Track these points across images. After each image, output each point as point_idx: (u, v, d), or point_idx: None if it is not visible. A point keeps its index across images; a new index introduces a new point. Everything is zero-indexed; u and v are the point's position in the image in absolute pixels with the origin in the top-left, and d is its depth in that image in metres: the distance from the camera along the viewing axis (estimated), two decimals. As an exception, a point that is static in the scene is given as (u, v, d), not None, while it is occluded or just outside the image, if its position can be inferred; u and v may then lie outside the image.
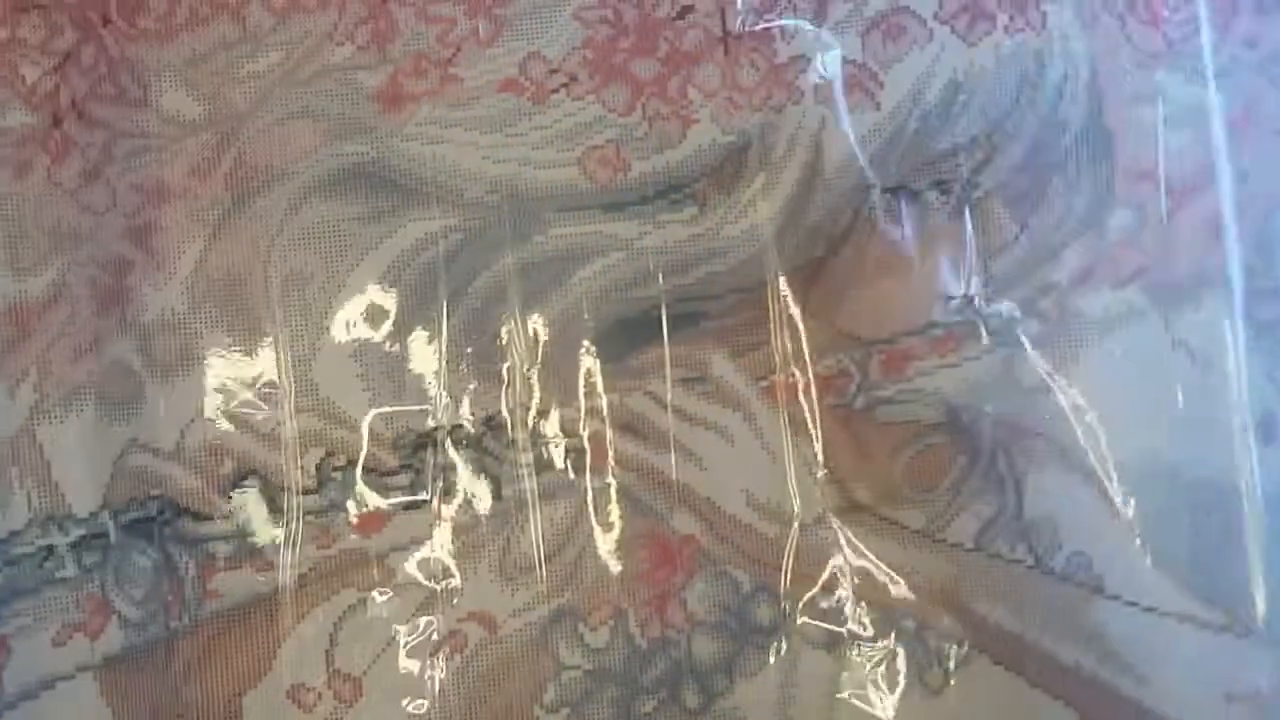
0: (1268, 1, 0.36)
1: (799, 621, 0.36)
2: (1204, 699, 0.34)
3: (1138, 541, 0.35)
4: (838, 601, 0.36)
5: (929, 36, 0.37)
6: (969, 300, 0.37)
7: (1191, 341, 0.35)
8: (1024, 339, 0.36)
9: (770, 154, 0.37)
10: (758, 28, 0.38)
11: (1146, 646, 0.35)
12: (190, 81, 0.38)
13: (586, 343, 0.37)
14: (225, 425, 0.37)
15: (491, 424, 0.37)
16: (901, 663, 0.35)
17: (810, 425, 0.37)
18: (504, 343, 0.37)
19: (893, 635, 0.36)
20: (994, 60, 0.37)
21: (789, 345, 0.37)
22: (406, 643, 0.36)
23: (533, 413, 0.37)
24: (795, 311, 0.37)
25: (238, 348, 0.37)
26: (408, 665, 0.36)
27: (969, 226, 0.37)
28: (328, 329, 0.37)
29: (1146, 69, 0.36)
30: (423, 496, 0.36)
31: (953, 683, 0.35)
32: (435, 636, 0.36)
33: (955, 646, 0.35)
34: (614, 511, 0.36)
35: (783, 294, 0.37)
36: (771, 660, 0.36)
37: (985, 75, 0.37)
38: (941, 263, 0.37)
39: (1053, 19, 0.37)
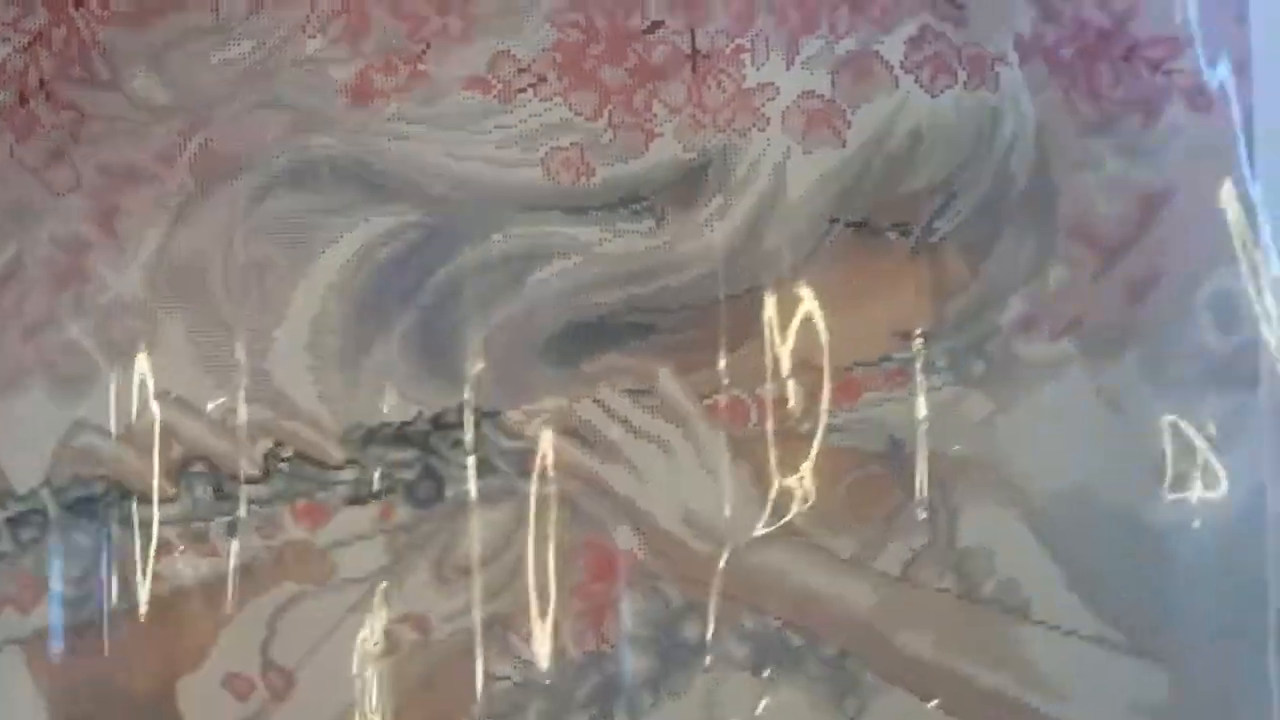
0: (1200, 100, 0.41)
1: (725, 642, 0.41)
2: (1113, 712, 0.40)
3: (1060, 571, 0.41)
4: (764, 624, 0.41)
5: (895, 83, 0.42)
6: (921, 337, 0.42)
7: (1111, 391, 0.41)
8: (969, 378, 0.41)
9: (730, 176, 0.42)
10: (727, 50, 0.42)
11: (1066, 666, 0.40)
12: (161, 67, 0.42)
13: (539, 345, 0.42)
14: (176, 410, 0.41)
15: (439, 423, 0.41)
16: (821, 689, 0.40)
17: (751, 447, 0.41)
18: (458, 341, 0.41)
19: (814, 661, 0.41)
20: (954, 113, 0.42)
21: (736, 366, 0.42)
22: (342, 639, 0.40)
23: (480, 414, 0.41)
24: (745, 333, 0.42)
25: (194, 333, 0.41)
26: (341, 662, 0.40)
27: (926, 267, 0.42)
28: (284, 319, 0.41)
29: (1086, 137, 0.42)
30: (367, 492, 0.41)
31: (869, 711, 0.40)
32: (370, 635, 0.40)
33: (873, 675, 0.40)
34: (555, 519, 0.41)
35: (732, 315, 0.42)
36: (697, 680, 0.40)
37: (946, 126, 0.42)
38: (898, 300, 0.42)
39: (1005, 80, 0.42)
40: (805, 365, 0.42)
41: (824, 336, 0.42)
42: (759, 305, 0.42)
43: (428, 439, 0.41)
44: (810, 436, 0.41)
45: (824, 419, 0.41)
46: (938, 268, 0.42)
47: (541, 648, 0.40)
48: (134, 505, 0.40)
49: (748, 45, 0.43)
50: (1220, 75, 0.42)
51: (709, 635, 0.41)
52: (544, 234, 0.42)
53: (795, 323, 0.42)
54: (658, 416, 0.41)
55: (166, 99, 0.42)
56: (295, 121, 0.42)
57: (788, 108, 0.42)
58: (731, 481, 0.41)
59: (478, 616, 0.40)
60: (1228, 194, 0.41)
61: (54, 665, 0.40)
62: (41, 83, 0.42)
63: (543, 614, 0.40)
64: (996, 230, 0.42)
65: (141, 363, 0.41)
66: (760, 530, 0.41)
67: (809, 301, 0.42)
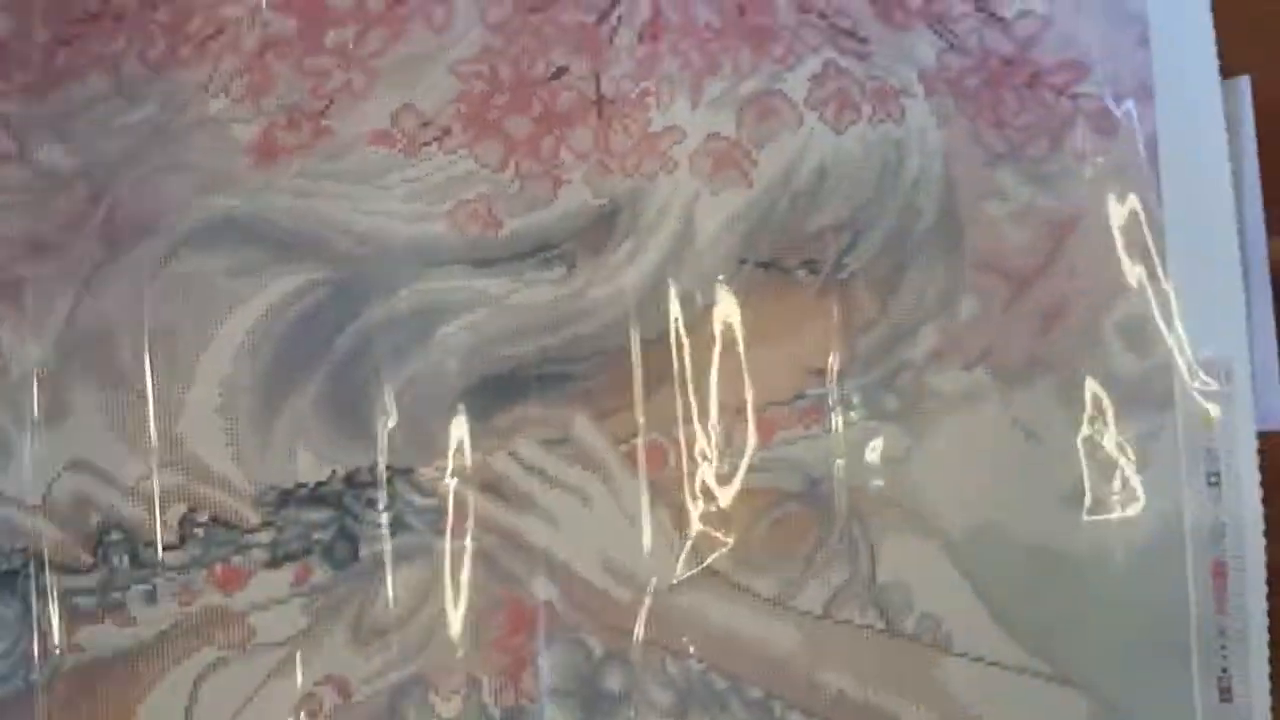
0: (1105, 123, 0.41)
1: (648, 689, 0.41)
2: None
3: (980, 602, 0.41)
4: (686, 669, 0.41)
5: (799, 120, 0.42)
6: (834, 374, 0.42)
7: (1026, 420, 0.41)
8: (883, 413, 0.42)
9: (639, 220, 0.42)
10: (633, 94, 0.43)
11: (989, 698, 0.41)
12: (64, 135, 0.42)
13: (450, 400, 0.42)
14: (92, 479, 0.41)
15: (352, 482, 0.42)
16: (747, 731, 0.41)
17: (669, 490, 0.42)
18: (369, 398, 0.42)
19: (739, 704, 0.41)
20: (860, 148, 0.42)
21: (652, 410, 0.42)
22: (263, 704, 0.40)
23: (394, 471, 0.42)
24: (660, 376, 0.42)
25: (106, 401, 0.41)
26: (264, 727, 0.40)
27: (835, 305, 0.42)
28: (195, 383, 0.42)
29: (992, 167, 0.42)
30: (283, 554, 0.41)
31: (796, 751, 0.41)
32: (291, 699, 0.40)
33: (799, 715, 0.41)
34: (471, 575, 0.41)
35: (647, 359, 0.42)
36: (622, 728, 0.41)
37: (851, 162, 0.42)
38: (809, 338, 0.42)
39: (911, 113, 0.42)
40: (721, 406, 0.42)
41: (738, 377, 0.42)
42: (672, 349, 0.42)
43: (341, 499, 0.41)
44: (729, 478, 0.42)
45: (744, 460, 0.42)
46: (848, 304, 0.42)
47: (456, 706, 0.41)
48: (54, 576, 0.41)
49: (653, 89, 0.43)
50: (1124, 98, 0.42)
51: (632, 683, 0.41)
52: (451, 288, 0.42)
53: (709, 365, 0.42)
54: (575, 465, 0.42)
55: (70, 167, 0.42)
56: (200, 183, 0.42)
57: (695, 150, 0.43)
58: (651, 527, 0.42)
59: (395, 677, 0.41)
60: (1134, 217, 0.41)
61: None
62: (-54, 158, 0.42)
63: (461, 671, 0.41)
64: (905, 264, 0.42)
65: (55, 433, 0.41)
66: (681, 574, 0.41)
67: (722, 343, 0.42)
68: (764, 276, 0.42)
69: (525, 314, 0.42)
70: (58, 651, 0.41)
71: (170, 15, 0.43)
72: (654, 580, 0.41)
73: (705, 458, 0.42)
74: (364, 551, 0.41)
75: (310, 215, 0.42)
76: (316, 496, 0.41)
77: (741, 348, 0.42)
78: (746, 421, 0.42)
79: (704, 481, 0.42)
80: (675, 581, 0.41)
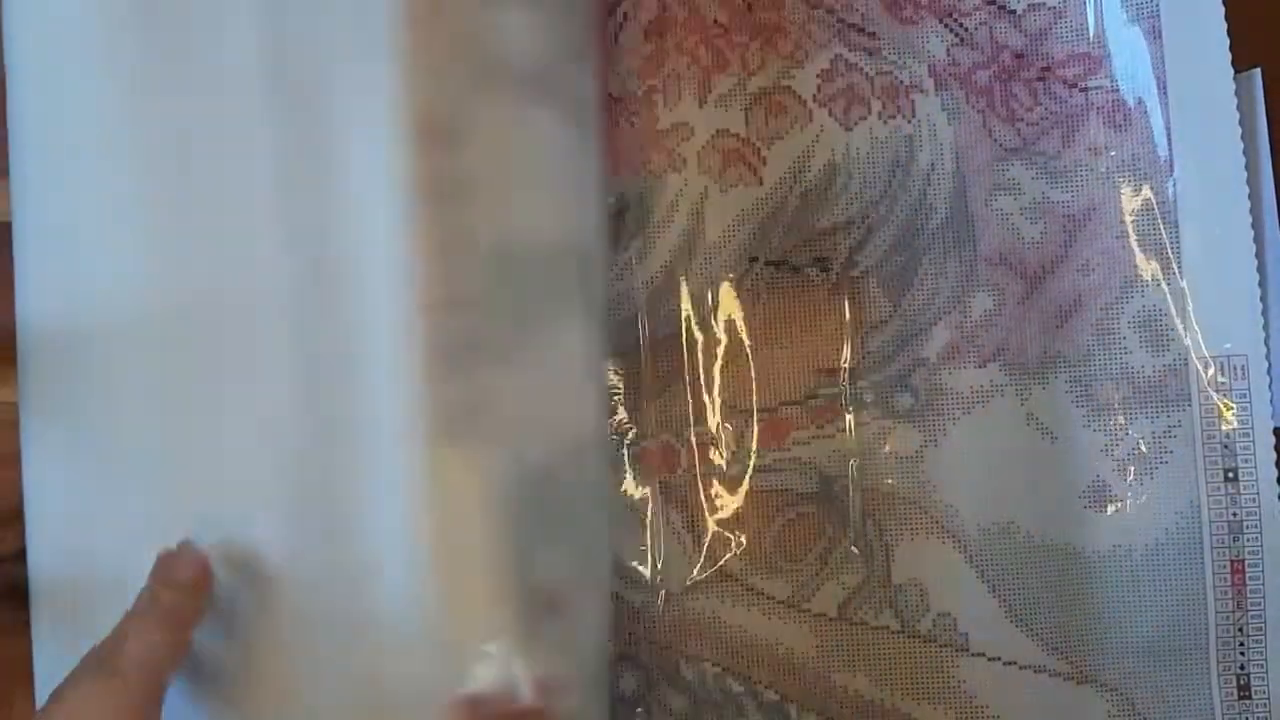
0: (1118, 117, 0.42)
1: (662, 693, 0.42)
2: None
3: (997, 601, 0.42)
4: (701, 672, 0.42)
5: (809, 117, 0.43)
6: (846, 373, 0.43)
7: (1041, 417, 0.42)
8: (896, 411, 0.42)
9: (649, 219, 0.43)
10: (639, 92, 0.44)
11: (1006, 697, 0.42)
12: None
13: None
14: None
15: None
16: (763, 734, 0.42)
17: (681, 492, 0.42)
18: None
19: (755, 707, 0.42)
20: (869, 145, 0.43)
21: (663, 410, 0.43)
22: None
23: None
24: (670, 376, 0.43)
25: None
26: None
27: (847, 303, 0.43)
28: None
29: (1005, 162, 0.43)
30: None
31: (812, 754, 0.42)
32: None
33: (816, 718, 0.42)
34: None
35: (656, 358, 0.43)
36: (636, 731, 0.42)
37: (861, 159, 0.43)
38: (821, 336, 0.43)
39: (921, 108, 0.43)
40: (732, 407, 0.43)
41: (749, 377, 0.43)
42: (683, 348, 0.43)
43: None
44: (740, 479, 0.43)
45: (753, 460, 0.43)
46: (860, 302, 0.43)
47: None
48: None
49: (659, 86, 0.44)
50: (1137, 91, 0.42)
51: (646, 687, 0.42)
52: None
53: (720, 364, 0.43)
54: (585, 467, 0.43)
55: None
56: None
57: (703, 147, 0.43)
58: (663, 529, 0.42)
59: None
60: (1148, 212, 0.42)
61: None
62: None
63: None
64: (917, 261, 0.43)
65: None
66: (694, 577, 0.42)
67: (733, 342, 0.43)
68: (775, 275, 0.43)
69: None
70: None
71: None
72: (666, 583, 0.42)
73: (717, 458, 0.43)
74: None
75: None
76: None
77: (753, 347, 0.43)
78: (759, 422, 0.43)
79: (716, 482, 0.43)
80: (688, 584, 0.42)
